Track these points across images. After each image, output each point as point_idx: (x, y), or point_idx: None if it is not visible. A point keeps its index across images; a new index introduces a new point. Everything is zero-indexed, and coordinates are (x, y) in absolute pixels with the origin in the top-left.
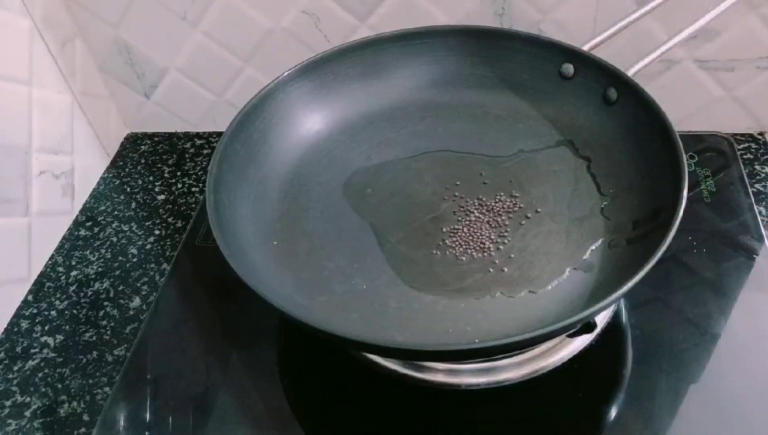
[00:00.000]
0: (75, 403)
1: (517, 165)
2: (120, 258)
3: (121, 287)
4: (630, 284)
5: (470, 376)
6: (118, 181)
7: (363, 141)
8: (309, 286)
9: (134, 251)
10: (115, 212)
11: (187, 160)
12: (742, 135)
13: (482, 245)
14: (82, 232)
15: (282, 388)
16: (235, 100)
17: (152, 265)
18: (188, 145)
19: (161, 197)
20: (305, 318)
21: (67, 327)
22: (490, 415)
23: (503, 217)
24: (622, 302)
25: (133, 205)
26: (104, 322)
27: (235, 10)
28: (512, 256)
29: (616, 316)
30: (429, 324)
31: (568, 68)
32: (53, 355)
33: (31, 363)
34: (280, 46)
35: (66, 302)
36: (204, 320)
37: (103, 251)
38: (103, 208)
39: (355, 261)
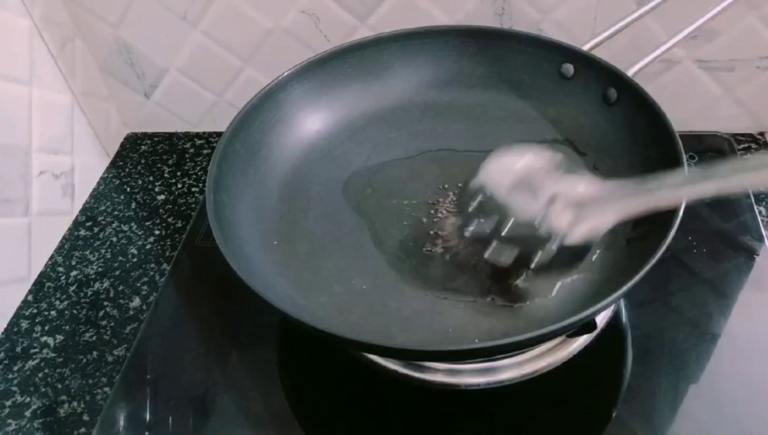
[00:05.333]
0: (75, 403)
1: None
2: (120, 258)
3: (121, 287)
4: (630, 284)
5: (470, 376)
6: (118, 181)
7: (363, 141)
8: (309, 286)
9: (134, 251)
10: (115, 212)
11: (187, 160)
12: (742, 135)
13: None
14: (82, 232)
15: (282, 388)
16: (235, 100)
17: (152, 265)
18: (188, 145)
19: (161, 197)
20: (305, 318)
21: (67, 327)
22: (490, 415)
23: None
24: (622, 302)
25: (133, 205)
26: (104, 322)
27: (235, 10)
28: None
29: (616, 316)
30: (429, 324)
31: (568, 68)
32: (53, 355)
33: (31, 363)
34: (280, 46)
35: (66, 302)
36: (204, 320)
37: (103, 251)
38: (103, 208)
39: (355, 261)
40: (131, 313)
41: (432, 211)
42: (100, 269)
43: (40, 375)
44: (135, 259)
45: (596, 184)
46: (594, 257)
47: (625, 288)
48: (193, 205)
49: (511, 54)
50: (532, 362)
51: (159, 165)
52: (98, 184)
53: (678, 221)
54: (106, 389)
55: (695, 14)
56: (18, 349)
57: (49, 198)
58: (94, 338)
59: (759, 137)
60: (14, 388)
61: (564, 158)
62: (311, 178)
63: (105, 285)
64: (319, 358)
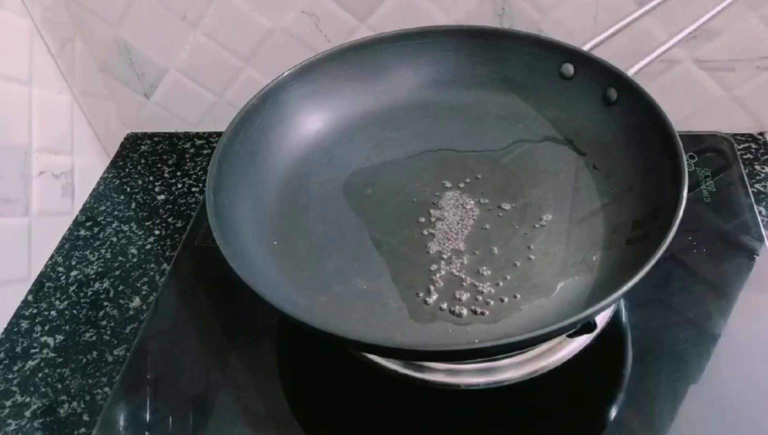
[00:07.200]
0: (75, 403)
1: (517, 165)
2: (120, 258)
3: (121, 287)
4: (630, 284)
5: (470, 376)
6: (118, 181)
7: (363, 141)
8: (309, 286)
9: (134, 251)
10: (115, 212)
11: (187, 160)
12: (742, 135)
13: (482, 245)
14: (82, 232)
15: (282, 388)
16: (235, 100)
17: (152, 265)
18: (188, 145)
19: (161, 197)
20: (305, 318)
21: (67, 327)
22: (490, 415)
23: (503, 218)
24: (622, 302)
25: (133, 205)
26: (104, 322)
27: (235, 10)
28: (512, 256)
29: (616, 316)
30: (429, 324)
31: (568, 68)
32: (53, 355)
33: (31, 363)
34: (280, 46)
35: (66, 302)
36: (204, 320)
37: (103, 251)
38: (103, 208)
39: (355, 261)
40: (131, 313)
41: (432, 211)
42: (100, 269)
43: (40, 375)
44: (135, 259)
45: None
46: (594, 257)
47: (625, 288)
48: (193, 205)
49: (511, 54)
50: (532, 362)
51: (159, 165)
52: (98, 184)
53: (678, 221)
54: (106, 389)
55: (695, 14)
56: (18, 349)
57: (49, 198)
58: (94, 338)
59: (759, 137)
60: (14, 388)
61: None
62: (311, 178)
63: (105, 285)
64: (319, 358)
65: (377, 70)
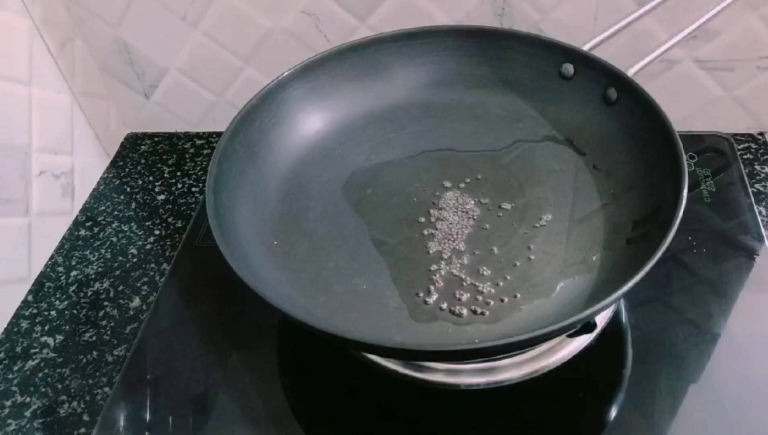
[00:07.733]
0: (75, 403)
1: (516, 165)
2: (120, 258)
3: (121, 287)
4: (630, 284)
5: (470, 376)
6: (118, 181)
7: (363, 141)
8: (309, 286)
9: (134, 251)
10: (115, 212)
11: (187, 160)
12: (742, 135)
13: (482, 245)
14: (82, 232)
15: (282, 388)
16: (235, 100)
17: (152, 265)
18: (188, 145)
19: (161, 197)
20: (305, 318)
21: (67, 327)
22: (490, 415)
23: (503, 218)
24: (622, 302)
25: (133, 205)
26: (104, 322)
27: (235, 10)
28: (512, 256)
29: (616, 316)
30: (429, 324)
31: (568, 68)
32: (53, 355)
33: (31, 363)
34: (280, 46)
35: (66, 302)
36: (204, 320)
37: (103, 251)
38: (103, 208)
39: (355, 261)
40: (131, 313)
41: (432, 211)
42: (100, 269)
43: (40, 375)
44: (135, 259)
45: None
46: (594, 257)
47: (625, 288)
48: (193, 205)
49: (511, 54)
50: (532, 362)
51: (159, 165)
52: (98, 184)
53: (678, 221)
54: (106, 389)
55: (695, 14)
56: (18, 349)
57: (49, 198)
58: (94, 338)
59: (759, 137)
60: (14, 388)
61: None
62: (311, 178)
63: (105, 285)
64: (319, 358)
65: (377, 70)
